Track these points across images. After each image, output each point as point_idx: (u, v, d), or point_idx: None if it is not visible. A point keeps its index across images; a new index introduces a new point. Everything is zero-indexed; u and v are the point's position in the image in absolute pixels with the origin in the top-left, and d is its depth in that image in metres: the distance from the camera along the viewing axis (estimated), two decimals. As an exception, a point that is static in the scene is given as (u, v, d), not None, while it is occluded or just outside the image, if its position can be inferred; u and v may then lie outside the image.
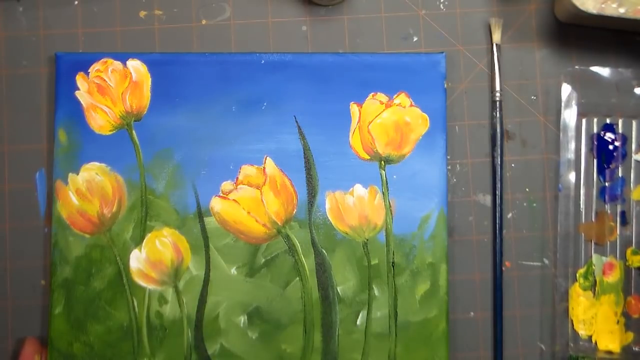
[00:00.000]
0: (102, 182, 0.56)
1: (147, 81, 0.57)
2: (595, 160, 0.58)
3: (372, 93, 0.57)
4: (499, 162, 0.58)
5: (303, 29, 0.59)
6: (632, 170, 0.58)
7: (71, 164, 0.56)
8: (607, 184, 0.58)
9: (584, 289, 0.57)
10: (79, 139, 0.56)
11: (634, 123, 0.59)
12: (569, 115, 0.58)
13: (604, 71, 0.58)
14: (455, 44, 0.59)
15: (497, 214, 0.57)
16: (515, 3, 0.60)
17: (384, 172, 0.57)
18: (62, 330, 0.55)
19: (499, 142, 0.58)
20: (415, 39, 0.59)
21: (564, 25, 0.59)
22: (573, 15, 0.56)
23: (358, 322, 0.56)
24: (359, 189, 0.56)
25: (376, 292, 0.56)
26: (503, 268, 0.57)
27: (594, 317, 0.57)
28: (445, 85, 0.57)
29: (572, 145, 0.58)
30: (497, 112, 0.58)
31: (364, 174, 0.57)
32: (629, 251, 0.58)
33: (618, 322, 0.57)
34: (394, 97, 0.57)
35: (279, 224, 0.56)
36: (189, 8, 0.59)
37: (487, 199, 0.58)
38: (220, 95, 0.57)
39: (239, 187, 0.56)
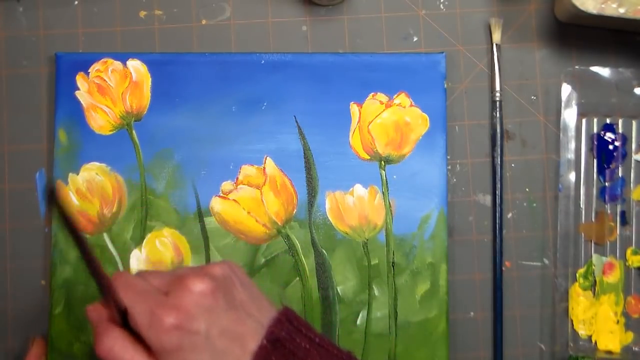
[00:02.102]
0: (102, 182, 0.56)
1: (147, 81, 0.57)
2: (595, 160, 0.58)
3: (372, 93, 0.57)
4: (499, 162, 0.58)
5: (303, 29, 0.59)
6: (632, 170, 0.58)
7: (71, 164, 0.56)
8: (607, 184, 0.58)
9: (584, 289, 0.57)
10: (79, 139, 0.56)
11: (634, 123, 0.59)
12: (569, 115, 0.58)
13: (604, 71, 0.58)
14: (455, 44, 0.59)
15: (497, 214, 0.57)
16: (515, 3, 0.60)
17: (384, 172, 0.57)
18: (62, 330, 0.55)
19: (499, 142, 0.58)
20: (415, 39, 0.59)
21: (564, 25, 0.59)
22: (573, 15, 0.56)
23: (358, 322, 0.56)
24: (359, 189, 0.56)
25: (376, 292, 0.56)
26: (503, 268, 0.57)
27: (593, 317, 0.57)
28: (445, 85, 0.57)
29: (572, 145, 0.58)
30: (497, 112, 0.58)
31: (364, 174, 0.57)
32: (629, 251, 0.58)
33: (618, 322, 0.57)
34: (394, 97, 0.57)
35: (279, 224, 0.56)
36: (189, 8, 0.59)
37: (487, 199, 0.58)
38: (220, 95, 0.57)
39: (239, 187, 0.56)
